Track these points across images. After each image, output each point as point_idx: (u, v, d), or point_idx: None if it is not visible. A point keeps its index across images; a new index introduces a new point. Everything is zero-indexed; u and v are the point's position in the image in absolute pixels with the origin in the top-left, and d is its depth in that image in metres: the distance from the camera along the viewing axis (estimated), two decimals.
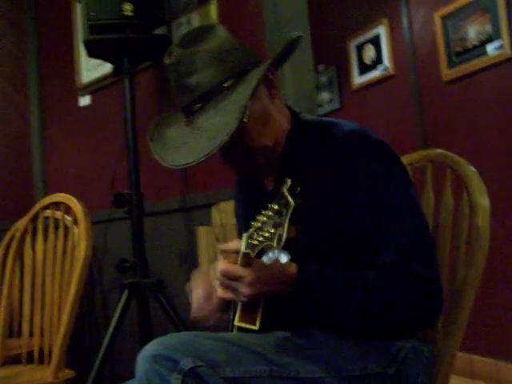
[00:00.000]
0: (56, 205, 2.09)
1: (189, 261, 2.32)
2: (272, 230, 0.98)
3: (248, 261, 1.07)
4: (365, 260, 1.14)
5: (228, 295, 1.14)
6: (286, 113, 1.31)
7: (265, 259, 0.94)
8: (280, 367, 1.09)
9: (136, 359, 1.10)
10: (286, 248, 0.95)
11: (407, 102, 3.34)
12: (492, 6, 2.77)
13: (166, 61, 1.22)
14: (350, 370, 1.12)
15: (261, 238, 1.01)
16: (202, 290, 1.30)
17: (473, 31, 2.90)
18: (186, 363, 1.04)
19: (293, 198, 0.97)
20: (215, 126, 1.14)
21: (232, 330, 1.23)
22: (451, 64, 3.03)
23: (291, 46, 1.24)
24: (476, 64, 2.88)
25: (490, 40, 2.81)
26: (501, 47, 2.75)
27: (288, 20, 2.01)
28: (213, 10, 2.23)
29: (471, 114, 2.94)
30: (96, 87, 2.76)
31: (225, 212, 2.13)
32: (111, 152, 2.55)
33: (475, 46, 2.89)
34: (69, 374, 1.89)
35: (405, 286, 1.10)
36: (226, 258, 1.14)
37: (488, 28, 2.81)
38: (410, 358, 1.18)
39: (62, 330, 1.86)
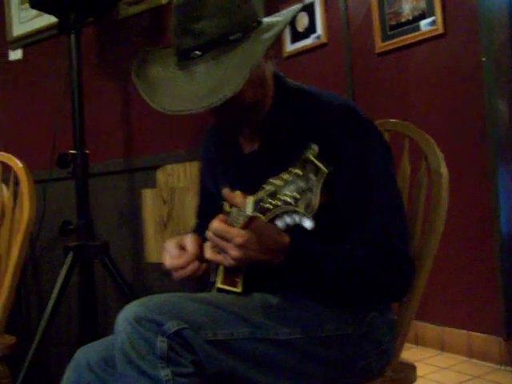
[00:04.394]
0: None
1: (131, 223, 2.28)
2: (296, 196, 0.95)
3: (249, 224, 1.06)
4: (346, 234, 1.18)
5: (215, 257, 1.13)
6: (272, 74, 1.30)
7: (280, 224, 0.93)
8: (260, 329, 1.12)
9: (116, 319, 1.08)
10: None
11: (339, 72, 3.39)
12: None
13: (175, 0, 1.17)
14: (325, 331, 1.18)
15: (279, 202, 0.98)
16: (175, 243, 1.26)
17: (407, 6, 2.98)
18: (171, 326, 1.04)
19: (323, 165, 0.95)
20: (219, 78, 1.11)
21: (211, 291, 1.22)
22: (385, 36, 3.10)
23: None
24: (409, 38, 2.97)
25: (423, 16, 2.91)
26: (433, 23, 2.86)
27: None
28: None
29: (402, 86, 3.05)
30: (29, 41, 2.59)
31: (172, 175, 2.10)
32: (48, 109, 2.42)
33: (409, 21, 2.98)
34: (10, 339, 1.81)
35: (385, 262, 1.16)
36: (224, 215, 1.12)
37: (422, 4, 2.91)
38: (377, 320, 1.25)
39: (3, 296, 1.78)
